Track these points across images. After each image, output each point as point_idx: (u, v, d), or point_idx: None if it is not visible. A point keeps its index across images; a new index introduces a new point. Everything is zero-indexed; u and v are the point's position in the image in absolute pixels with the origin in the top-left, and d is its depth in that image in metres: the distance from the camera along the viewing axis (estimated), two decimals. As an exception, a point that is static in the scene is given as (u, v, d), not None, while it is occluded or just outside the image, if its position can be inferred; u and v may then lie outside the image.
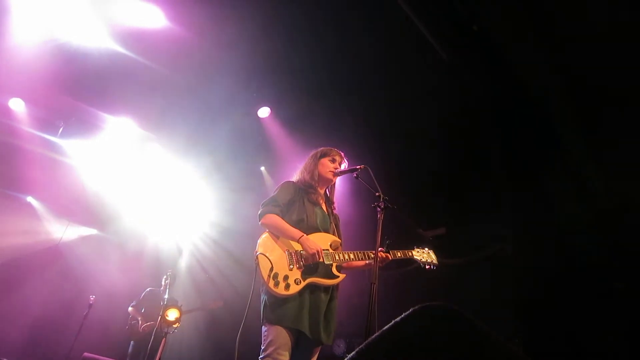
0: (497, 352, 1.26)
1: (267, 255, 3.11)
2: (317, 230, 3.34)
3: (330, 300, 3.21)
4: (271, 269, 3.05)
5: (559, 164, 5.52)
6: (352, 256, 3.29)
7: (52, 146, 7.57)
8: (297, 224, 3.28)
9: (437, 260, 3.55)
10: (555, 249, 5.23)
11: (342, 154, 3.66)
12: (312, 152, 3.69)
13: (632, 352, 4.50)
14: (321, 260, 3.13)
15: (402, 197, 4.50)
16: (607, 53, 4.59)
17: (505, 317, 5.13)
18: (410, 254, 3.51)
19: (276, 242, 3.21)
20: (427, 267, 3.49)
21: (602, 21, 4.36)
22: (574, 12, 4.42)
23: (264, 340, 3.00)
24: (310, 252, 3.10)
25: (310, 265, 3.14)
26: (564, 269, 5.04)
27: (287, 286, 3.02)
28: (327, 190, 3.67)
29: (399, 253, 3.44)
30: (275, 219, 3.26)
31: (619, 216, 5.16)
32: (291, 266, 3.10)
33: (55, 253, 8.62)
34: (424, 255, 3.52)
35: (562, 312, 4.88)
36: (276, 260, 3.10)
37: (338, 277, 3.21)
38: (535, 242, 5.38)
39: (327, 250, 3.24)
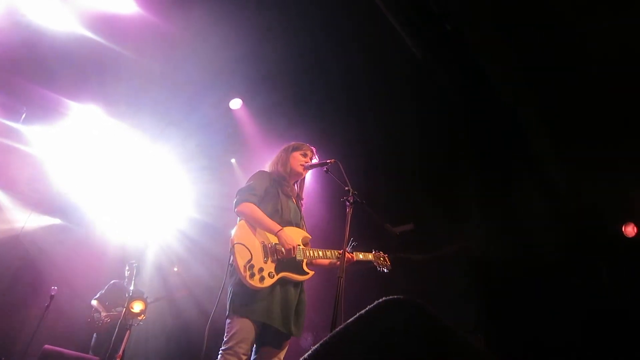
0: (459, 347, 1.28)
1: (246, 244, 3.04)
2: (290, 224, 3.32)
3: (300, 293, 3.21)
4: (249, 260, 2.98)
5: (526, 166, 5.66)
6: (320, 254, 3.28)
7: (14, 133, 7.29)
8: (271, 215, 3.23)
9: (390, 267, 3.72)
10: (517, 247, 5.37)
11: (314, 149, 3.65)
12: (284, 146, 3.66)
13: (588, 344, 4.67)
14: (295, 256, 3.12)
15: (371, 191, 4.53)
16: (576, 55, 4.71)
17: (468, 312, 5.24)
18: (369, 256, 3.63)
19: (253, 233, 3.14)
20: (380, 269, 3.68)
21: (571, 23, 4.47)
22: (542, 14, 4.52)
23: (227, 332, 2.94)
24: (287, 247, 3.08)
25: (283, 260, 3.11)
26: (525, 266, 5.18)
27: (262, 279, 2.97)
28: (296, 184, 3.64)
29: (361, 255, 3.54)
30: (252, 208, 3.20)
31: (579, 216, 5.33)
32: (266, 258, 3.05)
33: (15, 243, 8.33)
34: (380, 260, 3.68)
35: (523, 308, 5.02)
36: (253, 251, 3.04)
37: (308, 274, 3.21)
38: (499, 240, 5.50)
39: (299, 245, 3.23)
